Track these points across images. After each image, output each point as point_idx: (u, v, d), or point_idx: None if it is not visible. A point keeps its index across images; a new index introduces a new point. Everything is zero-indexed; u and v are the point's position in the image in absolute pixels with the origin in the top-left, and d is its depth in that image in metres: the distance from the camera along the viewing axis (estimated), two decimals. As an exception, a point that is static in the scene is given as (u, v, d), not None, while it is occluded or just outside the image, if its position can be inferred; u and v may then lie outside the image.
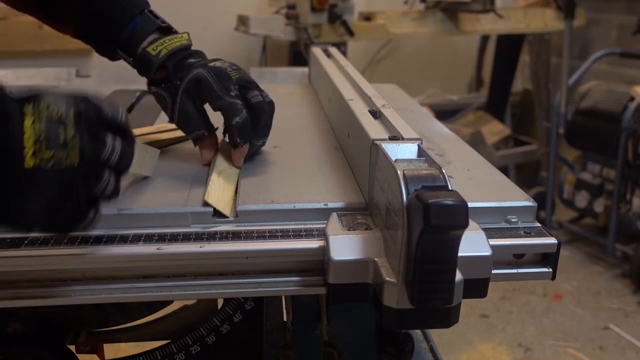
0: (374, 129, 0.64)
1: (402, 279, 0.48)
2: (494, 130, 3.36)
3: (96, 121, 0.47)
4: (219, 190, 0.63)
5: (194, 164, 0.73)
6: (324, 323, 0.77)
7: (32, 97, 0.45)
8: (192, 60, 0.73)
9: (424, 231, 0.44)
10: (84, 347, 0.82)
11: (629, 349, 2.17)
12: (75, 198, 0.46)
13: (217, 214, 0.60)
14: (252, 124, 0.71)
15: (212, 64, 0.73)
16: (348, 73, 0.92)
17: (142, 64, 0.73)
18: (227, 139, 0.73)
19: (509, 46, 3.43)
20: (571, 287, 2.58)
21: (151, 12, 0.75)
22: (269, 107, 0.74)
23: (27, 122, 0.44)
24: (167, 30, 0.75)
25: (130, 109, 1.00)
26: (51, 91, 0.47)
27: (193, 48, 0.75)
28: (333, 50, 1.14)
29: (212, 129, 0.74)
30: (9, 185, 0.43)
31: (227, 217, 0.60)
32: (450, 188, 0.48)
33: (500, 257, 0.57)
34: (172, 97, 0.71)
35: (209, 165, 0.72)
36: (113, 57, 0.77)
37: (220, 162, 0.71)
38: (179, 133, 0.80)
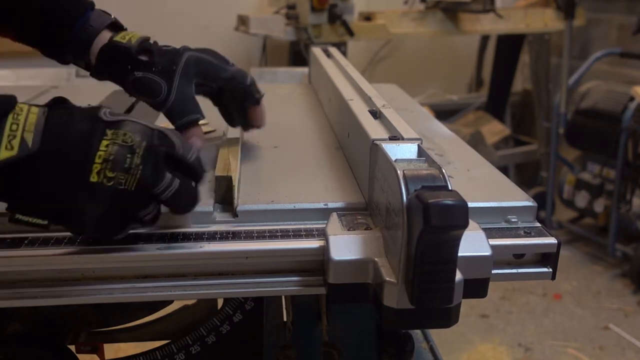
0: (374, 129, 0.64)
1: (402, 279, 0.48)
2: (494, 130, 3.36)
3: (163, 157, 0.52)
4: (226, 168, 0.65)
5: (194, 164, 0.73)
6: (324, 323, 0.77)
7: (118, 122, 0.52)
8: (167, 47, 0.72)
9: (424, 231, 0.44)
10: (84, 347, 0.82)
11: (629, 349, 2.17)
12: (120, 215, 0.52)
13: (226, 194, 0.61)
14: None
15: (194, 48, 0.74)
16: (348, 73, 0.92)
17: (112, 55, 0.70)
18: (225, 138, 0.74)
19: (509, 46, 3.43)
20: (571, 287, 2.58)
21: (100, 10, 0.73)
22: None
23: (104, 143, 0.50)
24: (119, 27, 0.73)
25: (130, 109, 1.00)
26: (137, 121, 0.53)
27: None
28: (333, 50, 1.14)
29: (203, 116, 0.73)
30: (77, 193, 0.49)
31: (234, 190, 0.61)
32: (450, 188, 0.48)
33: (500, 257, 0.57)
34: (169, 79, 0.69)
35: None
36: (62, 59, 0.74)
37: (223, 158, 0.70)
38: None
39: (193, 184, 0.55)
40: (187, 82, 0.70)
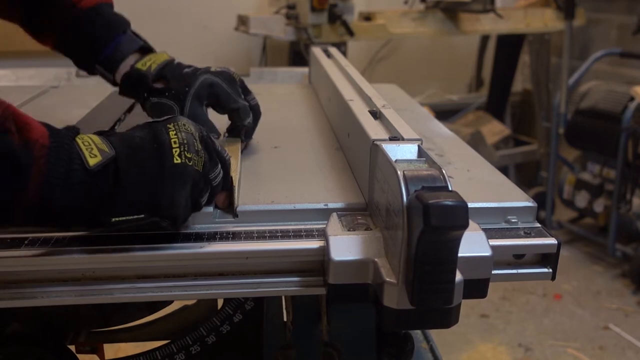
0: (374, 130, 0.64)
1: (402, 280, 0.48)
2: (494, 130, 3.36)
3: (212, 147, 0.58)
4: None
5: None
6: (324, 323, 0.77)
7: (172, 118, 0.57)
8: (188, 70, 0.77)
9: (424, 231, 0.44)
10: (84, 347, 0.82)
11: (629, 349, 2.17)
12: (195, 197, 0.55)
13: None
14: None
15: (212, 69, 0.77)
16: (348, 73, 0.92)
17: (132, 80, 0.76)
18: (226, 137, 0.76)
19: (509, 46, 3.43)
20: (571, 287, 2.58)
21: (133, 32, 0.79)
22: (260, 109, 0.81)
23: (172, 133, 0.55)
24: (147, 49, 0.80)
25: (130, 110, 1.00)
26: (181, 116, 0.59)
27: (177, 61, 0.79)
28: (333, 50, 1.14)
29: (219, 134, 0.77)
30: (164, 181, 0.52)
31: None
32: (450, 188, 0.48)
33: (500, 257, 0.57)
34: (181, 102, 0.74)
35: None
36: (91, 72, 0.81)
37: None
38: None
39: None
40: (198, 105, 0.75)
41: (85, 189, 0.49)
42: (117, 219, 0.52)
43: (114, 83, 0.80)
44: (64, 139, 0.50)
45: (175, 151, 0.53)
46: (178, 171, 0.53)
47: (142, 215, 0.52)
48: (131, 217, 0.52)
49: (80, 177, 0.49)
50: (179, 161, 0.53)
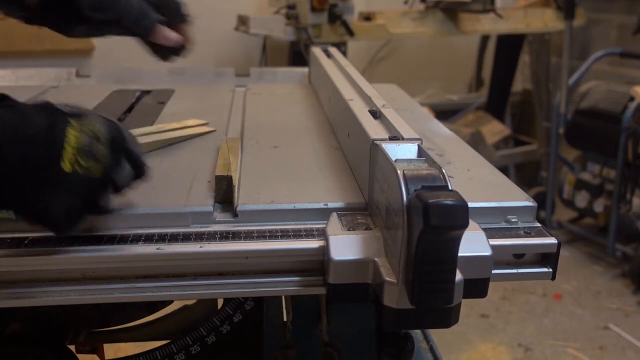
0: (374, 129, 0.64)
1: (402, 279, 0.48)
2: (494, 130, 3.36)
3: (121, 147, 0.54)
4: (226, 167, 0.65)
5: (195, 164, 0.73)
6: (324, 323, 0.77)
7: (79, 114, 0.52)
8: None
9: (424, 231, 0.44)
10: (84, 347, 0.82)
11: (629, 349, 2.17)
12: (86, 204, 0.52)
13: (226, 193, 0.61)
14: None
15: None
16: (348, 73, 0.92)
17: None
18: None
19: (509, 46, 3.43)
20: (571, 287, 2.58)
21: None
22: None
23: (72, 132, 0.50)
24: None
25: (130, 109, 1.00)
26: (96, 114, 0.54)
27: None
28: (333, 50, 1.14)
29: (158, 18, 0.74)
30: (46, 184, 0.49)
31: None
32: (450, 188, 0.48)
33: (500, 257, 0.57)
34: None
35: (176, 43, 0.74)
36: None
37: (223, 158, 0.71)
38: (179, 133, 0.80)
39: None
40: None
41: None
42: None
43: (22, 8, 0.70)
44: None
45: (67, 157, 0.49)
46: (63, 179, 0.49)
47: (13, 216, 0.51)
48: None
49: None
50: (69, 169, 0.49)
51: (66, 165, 0.49)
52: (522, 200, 0.62)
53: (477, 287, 0.53)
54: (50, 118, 0.50)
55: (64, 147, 0.49)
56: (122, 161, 0.54)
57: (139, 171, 0.57)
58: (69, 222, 0.52)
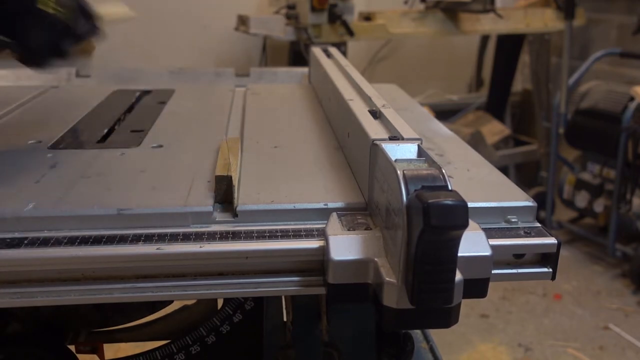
0: (374, 129, 0.64)
1: (402, 279, 0.48)
2: (494, 130, 3.36)
3: (78, 6, 0.70)
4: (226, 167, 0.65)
5: (195, 164, 0.73)
6: (324, 323, 0.77)
7: None
8: None
9: (423, 231, 0.44)
10: (84, 347, 0.82)
11: (629, 349, 2.17)
12: (57, 44, 0.68)
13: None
14: None
15: None
16: (348, 73, 0.92)
17: None
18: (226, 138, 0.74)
19: (509, 46, 3.44)
20: (571, 287, 2.58)
21: None
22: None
23: None
24: None
25: (130, 109, 1.00)
26: None
27: None
28: (333, 50, 1.14)
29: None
30: (24, 17, 0.64)
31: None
32: (450, 188, 0.48)
33: (500, 257, 0.57)
34: None
35: None
36: None
37: (223, 158, 0.70)
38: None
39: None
40: None
41: None
42: None
43: None
44: None
45: (49, 3, 0.64)
46: (45, 18, 0.64)
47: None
48: None
49: None
50: (51, 10, 0.65)
51: (47, 6, 0.64)
52: (522, 200, 0.62)
53: (477, 287, 0.53)
54: None
55: None
56: (81, 17, 0.70)
57: (93, 27, 0.72)
58: (47, 55, 0.68)
